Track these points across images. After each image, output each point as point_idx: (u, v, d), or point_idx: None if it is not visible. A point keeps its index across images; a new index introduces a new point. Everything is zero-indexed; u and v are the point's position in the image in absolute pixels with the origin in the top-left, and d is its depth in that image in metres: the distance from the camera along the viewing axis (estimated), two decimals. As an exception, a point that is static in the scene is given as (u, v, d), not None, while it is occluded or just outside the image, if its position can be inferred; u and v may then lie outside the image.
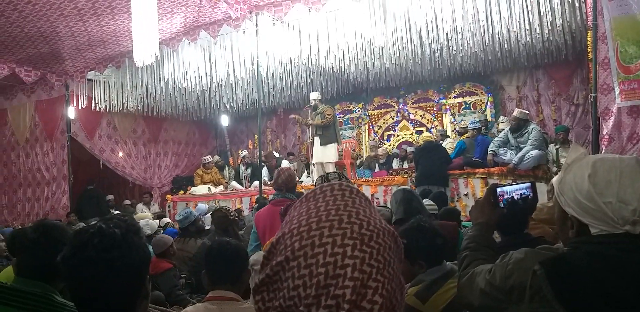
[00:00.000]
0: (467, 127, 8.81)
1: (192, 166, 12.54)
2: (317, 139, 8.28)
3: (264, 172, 9.50)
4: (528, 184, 1.72)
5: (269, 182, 8.90)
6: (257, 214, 3.47)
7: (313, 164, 8.43)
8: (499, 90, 10.25)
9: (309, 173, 9.62)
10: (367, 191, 8.07)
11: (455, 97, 10.66)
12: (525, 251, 1.35)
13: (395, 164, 9.83)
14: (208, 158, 10.74)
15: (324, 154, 8.21)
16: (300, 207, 0.79)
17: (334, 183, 0.82)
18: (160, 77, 8.89)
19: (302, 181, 9.50)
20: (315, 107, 8.38)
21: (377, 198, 7.96)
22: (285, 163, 9.59)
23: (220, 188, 10.29)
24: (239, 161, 11.20)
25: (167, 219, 6.95)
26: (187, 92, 9.83)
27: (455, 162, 7.70)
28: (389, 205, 6.41)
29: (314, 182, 9.40)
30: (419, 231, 2.07)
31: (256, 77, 8.40)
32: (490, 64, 9.36)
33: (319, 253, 0.70)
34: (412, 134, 11.07)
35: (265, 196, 7.59)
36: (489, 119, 9.80)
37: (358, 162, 10.60)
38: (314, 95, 8.48)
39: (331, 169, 8.12)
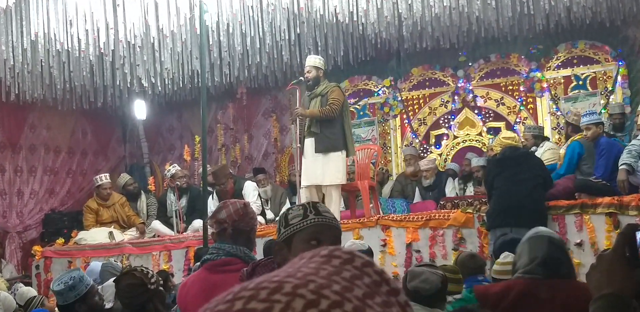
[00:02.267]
0: (580, 121, 8.84)
1: (81, 192, 12.49)
2: (309, 142, 8.27)
3: (213, 203, 9.49)
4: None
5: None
6: (181, 287, 3.48)
7: (303, 189, 8.41)
8: (638, 55, 10.33)
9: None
10: (401, 236, 8.07)
11: (558, 67, 10.73)
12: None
13: (452, 188, 9.83)
14: (103, 178, 10.68)
15: (325, 171, 8.16)
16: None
17: (324, 249, 0.85)
18: (21, 32, 8.89)
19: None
20: (313, 83, 8.35)
21: (419, 251, 7.95)
22: (249, 187, 9.58)
23: (132, 233, 10.27)
24: (165, 184, 11.15)
25: (32, 291, 6.91)
26: (72, 59, 9.86)
27: (559, 185, 7.70)
28: (449, 263, 6.38)
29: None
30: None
31: (199, 33, 8.43)
32: (622, 7, 9.43)
33: None
34: (480, 133, 11.12)
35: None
36: (623, 103, 9.84)
37: (388, 184, 10.57)
38: (313, 61, 8.41)
39: (334, 196, 8.12)
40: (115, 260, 8.42)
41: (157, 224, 10.24)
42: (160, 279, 4.54)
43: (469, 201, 8.29)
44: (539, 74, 10.73)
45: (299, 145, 8.36)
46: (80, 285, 4.69)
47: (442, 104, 11.41)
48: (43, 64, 9.83)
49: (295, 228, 2.33)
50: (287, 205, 9.86)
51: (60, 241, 10.23)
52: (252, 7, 8.70)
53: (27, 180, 12.00)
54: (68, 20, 8.63)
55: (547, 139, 9.59)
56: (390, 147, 11.61)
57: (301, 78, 8.44)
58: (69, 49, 9.26)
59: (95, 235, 10.05)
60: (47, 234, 11.17)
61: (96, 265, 7.27)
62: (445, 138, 11.37)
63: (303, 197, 8.35)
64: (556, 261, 3.19)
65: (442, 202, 8.69)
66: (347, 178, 9.11)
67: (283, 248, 2.35)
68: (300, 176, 8.31)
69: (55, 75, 10.26)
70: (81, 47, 9.12)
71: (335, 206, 8.01)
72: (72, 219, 11.26)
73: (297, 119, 8.31)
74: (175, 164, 10.86)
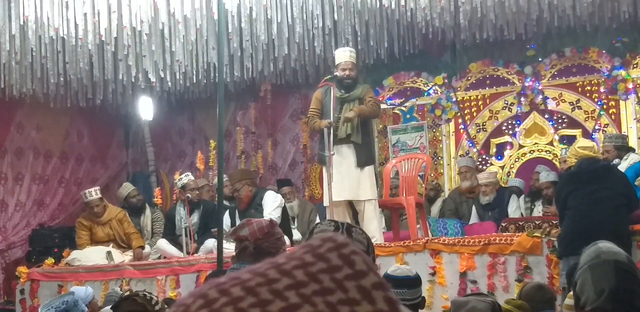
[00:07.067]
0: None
1: (75, 205, 12.56)
2: (347, 151, 8.40)
3: (228, 220, 9.49)
4: None
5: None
6: None
7: (332, 204, 8.41)
8: None
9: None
10: (453, 264, 8.05)
11: (648, 64, 10.63)
12: None
13: (516, 207, 9.75)
14: (90, 194, 10.58)
15: (361, 184, 8.32)
16: None
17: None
18: (9, 16, 8.99)
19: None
20: (352, 83, 8.47)
21: (475, 281, 7.91)
22: (269, 196, 9.54)
23: (132, 254, 10.33)
24: (175, 197, 11.16)
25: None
26: (67, 47, 9.92)
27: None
28: (511, 296, 6.28)
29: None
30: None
31: (216, 18, 8.46)
32: None
33: None
34: (551, 142, 11.03)
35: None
36: None
37: (437, 203, 10.52)
38: (352, 56, 8.60)
39: (375, 213, 8.13)
40: (117, 287, 8.44)
41: (163, 243, 10.23)
42: (165, 306, 4.52)
43: (537, 222, 8.23)
44: (623, 73, 10.58)
45: (332, 152, 8.38)
46: (75, 311, 4.70)
47: (506, 107, 11.33)
48: (34, 53, 9.91)
49: None
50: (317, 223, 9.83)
51: (50, 261, 10.29)
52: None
53: (12, 189, 12.07)
54: (64, 1, 8.69)
55: (633, 150, 9.44)
56: (442, 158, 11.55)
57: (336, 74, 8.49)
58: (65, 36, 9.32)
59: (91, 255, 10.09)
60: (34, 253, 11.24)
61: (79, 291, 7.28)
62: (508, 147, 11.28)
63: (335, 215, 8.36)
64: (629, 294, 3.11)
65: (503, 224, 8.65)
66: (390, 193, 9.12)
67: None
68: (328, 189, 8.36)
69: (48, 66, 10.33)
70: (79, 33, 9.17)
71: (377, 223, 8.08)
72: (64, 236, 11.32)
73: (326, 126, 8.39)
74: (189, 173, 10.84)
